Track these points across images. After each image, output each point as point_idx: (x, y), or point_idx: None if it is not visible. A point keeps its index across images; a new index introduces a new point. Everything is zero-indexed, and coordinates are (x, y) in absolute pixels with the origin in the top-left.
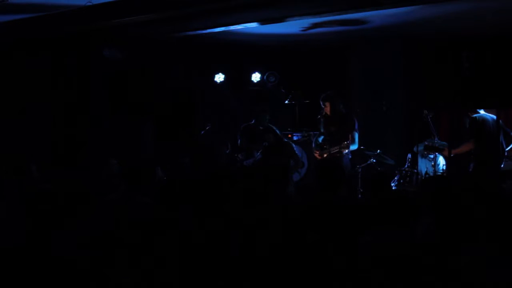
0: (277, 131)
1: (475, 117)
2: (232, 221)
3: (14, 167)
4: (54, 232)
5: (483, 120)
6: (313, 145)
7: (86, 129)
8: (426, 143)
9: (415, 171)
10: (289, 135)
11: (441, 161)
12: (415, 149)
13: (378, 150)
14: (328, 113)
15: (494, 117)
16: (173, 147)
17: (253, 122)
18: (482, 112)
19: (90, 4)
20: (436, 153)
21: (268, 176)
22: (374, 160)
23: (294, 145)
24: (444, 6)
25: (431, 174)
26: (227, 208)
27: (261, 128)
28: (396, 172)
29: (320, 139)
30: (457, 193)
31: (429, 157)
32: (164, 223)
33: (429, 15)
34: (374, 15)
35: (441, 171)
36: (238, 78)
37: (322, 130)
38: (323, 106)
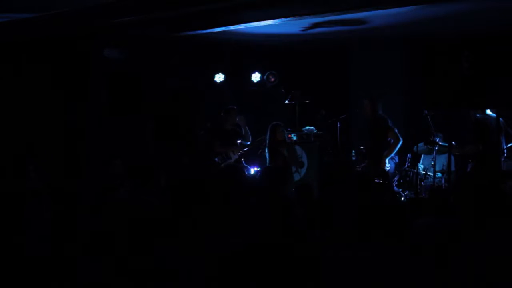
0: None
1: (479, 118)
2: (232, 221)
3: (12, 167)
4: (54, 232)
5: (486, 120)
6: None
7: (86, 129)
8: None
9: (415, 171)
10: (289, 135)
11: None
12: (415, 149)
13: None
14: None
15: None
16: (173, 147)
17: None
18: (487, 111)
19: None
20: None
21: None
22: None
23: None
24: (444, 6)
25: (431, 173)
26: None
27: (230, 128)
28: (396, 172)
29: None
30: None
31: (434, 155)
32: (166, 223)
33: (429, 15)
34: (374, 15)
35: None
36: (238, 78)
37: None
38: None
